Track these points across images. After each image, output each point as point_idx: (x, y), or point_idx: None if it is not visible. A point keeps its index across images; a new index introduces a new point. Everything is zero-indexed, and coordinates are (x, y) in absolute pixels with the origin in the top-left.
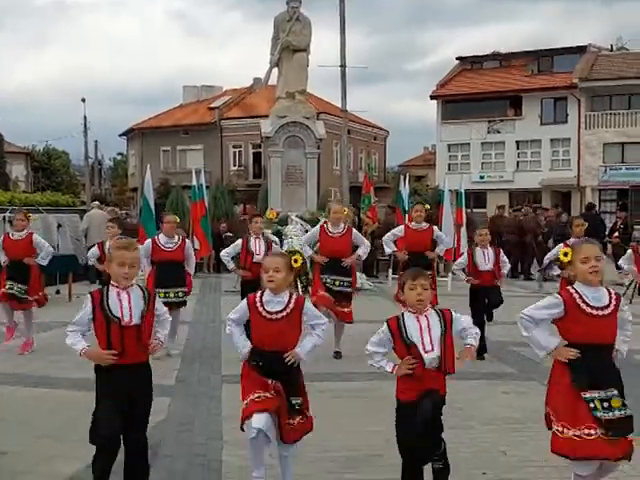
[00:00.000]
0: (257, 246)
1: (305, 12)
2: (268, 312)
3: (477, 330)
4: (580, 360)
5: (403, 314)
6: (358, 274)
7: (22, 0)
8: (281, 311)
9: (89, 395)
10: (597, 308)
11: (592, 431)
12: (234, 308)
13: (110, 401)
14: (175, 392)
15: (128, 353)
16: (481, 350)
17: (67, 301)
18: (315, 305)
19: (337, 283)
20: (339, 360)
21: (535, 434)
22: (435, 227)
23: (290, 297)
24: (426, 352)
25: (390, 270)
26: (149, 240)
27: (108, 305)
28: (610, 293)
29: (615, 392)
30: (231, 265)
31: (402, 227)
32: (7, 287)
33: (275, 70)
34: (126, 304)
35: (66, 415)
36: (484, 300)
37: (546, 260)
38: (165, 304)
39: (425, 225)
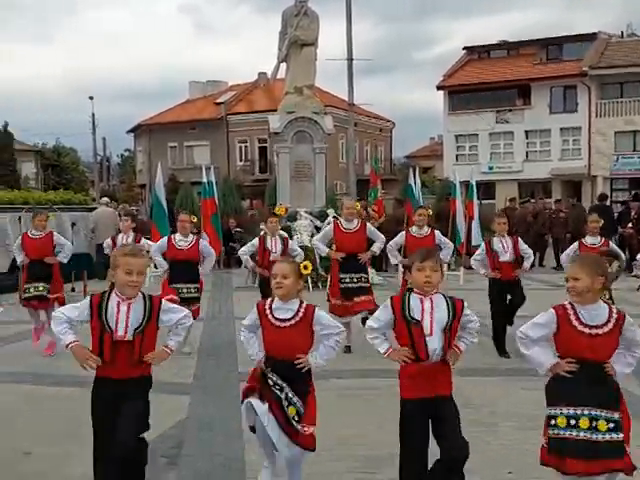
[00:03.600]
0: (274, 244)
1: (311, 3)
2: (277, 319)
3: (476, 326)
4: (573, 375)
5: (409, 294)
6: None
7: None
8: (290, 319)
9: None
10: (590, 326)
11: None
12: (246, 304)
13: (103, 430)
14: (193, 390)
15: (117, 367)
16: (502, 348)
17: (82, 299)
18: (332, 312)
19: (355, 280)
20: (354, 357)
21: None
22: (437, 232)
23: (300, 305)
24: (426, 335)
25: (400, 265)
26: (165, 238)
27: (106, 314)
28: (611, 311)
29: (591, 413)
30: (250, 263)
31: (403, 234)
32: (26, 291)
33: (283, 65)
34: (123, 317)
35: (88, 415)
36: (505, 297)
37: (564, 257)
38: (184, 300)
39: (427, 230)
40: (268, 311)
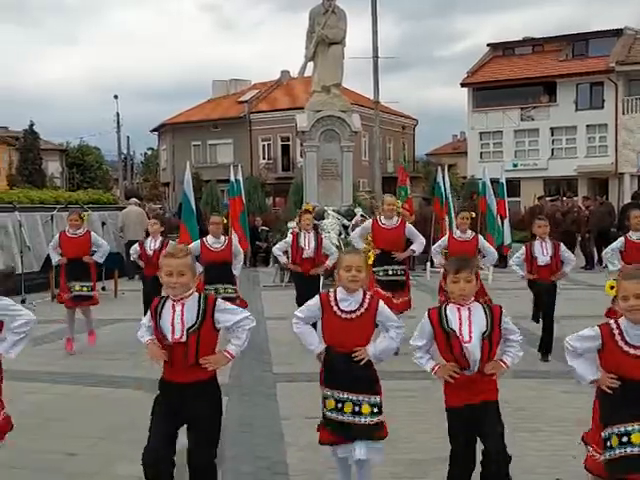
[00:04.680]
0: (307, 241)
1: (337, 1)
2: (343, 311)
3: (519, 338)
4: (617, 392)
5: (445, 305)
6: None
7: None
8: (356, 310)
9: (150, 395)
10: (636, 347)
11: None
12: (275, 303)
13: (158, 417)
14: (231, 391)
15: (176, 370)
16: (547, 349)
17: (113, 297)
18: None
19: (390, 272)
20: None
21: None
22: (480, 237)
23: (364, 296)
24: (464, 342)
25: (428, 263)
26: (198, 241)
27: (160, 317)
28: None
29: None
30: (283, 259)
31: (446, 238)
32: (72, 289)
33: (310, 63)
34: (178, 319)
35: (129, 415)
36: (541, 295)
37: (609, 252)
38: None
39: (470, 235)
40: (333, 302)
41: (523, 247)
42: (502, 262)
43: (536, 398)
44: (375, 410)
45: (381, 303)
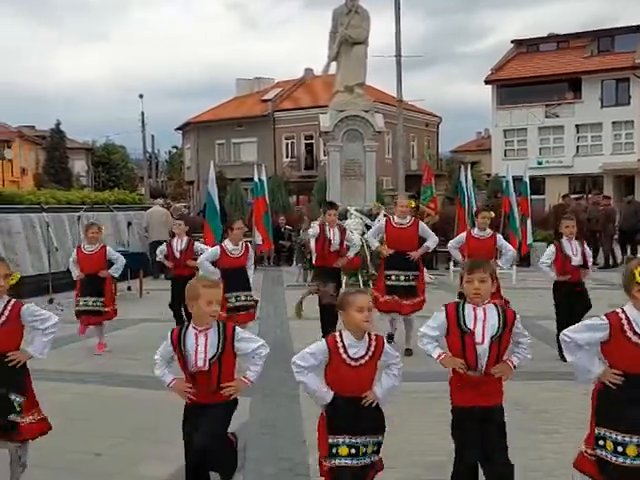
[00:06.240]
0: (332, 234)
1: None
2: (351, 358)
3: (529, 342)
4: (620, 389)
5: (463, 302)
6: None
7: None
8: (364, 355)
9: (174, 395)
10: None
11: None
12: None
13: (189, 429)
14: (254, 392)
15: (200, 394)
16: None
17: (138, 297)
18: (379, 310)
19: (402, 278)
20: (407, 360)
21: None
22: (499, 235)
23: (370, 339)
24: (477, 343)
25: (451, 263)
26: (217, 247)
27: (185, 347)
28: None
29: None
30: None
31: (464, 235)
32: (81, 304)
33: (333, 63)
34: (202, 348)
35: (154, 415)
36: (572, 300)
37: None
38: (236, 308)
39: (489, 232)
40: (342, 349)
41: (552, 247)
42: (524, 262)
43: (557, 400)
44: (375, 449)
45: (386, 343)
